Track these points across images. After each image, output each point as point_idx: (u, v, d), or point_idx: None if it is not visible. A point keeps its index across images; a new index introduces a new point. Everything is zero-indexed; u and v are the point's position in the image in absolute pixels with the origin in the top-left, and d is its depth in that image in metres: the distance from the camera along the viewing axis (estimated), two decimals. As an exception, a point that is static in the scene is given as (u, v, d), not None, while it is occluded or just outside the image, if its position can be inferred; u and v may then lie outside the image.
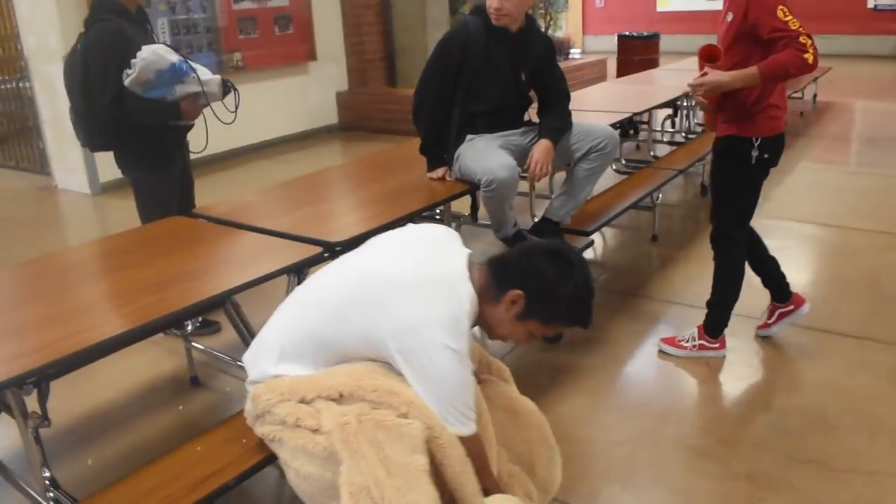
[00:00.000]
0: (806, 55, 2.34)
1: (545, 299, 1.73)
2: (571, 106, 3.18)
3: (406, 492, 1.50)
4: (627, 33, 9.53)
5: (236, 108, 3.05)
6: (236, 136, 7.40)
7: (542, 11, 11.23)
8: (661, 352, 3.12)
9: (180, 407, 2.97)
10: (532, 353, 3.21)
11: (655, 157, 5.26)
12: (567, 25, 13.88)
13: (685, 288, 3.71)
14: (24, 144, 7.80)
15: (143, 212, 3.25)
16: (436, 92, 3.07)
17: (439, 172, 3.12)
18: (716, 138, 2.83)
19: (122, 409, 3.02)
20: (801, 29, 2.37)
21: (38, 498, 2.01)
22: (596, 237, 4.55)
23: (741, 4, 2.48)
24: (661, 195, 4.41)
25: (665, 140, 5.86)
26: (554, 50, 3.18)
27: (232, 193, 3.75)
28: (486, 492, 1.72)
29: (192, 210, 3.17)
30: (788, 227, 4.55)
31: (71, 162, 6.52)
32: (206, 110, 3.10)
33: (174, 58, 2.92)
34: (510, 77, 3.04)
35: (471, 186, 3.05)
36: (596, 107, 4.76)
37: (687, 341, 3.07)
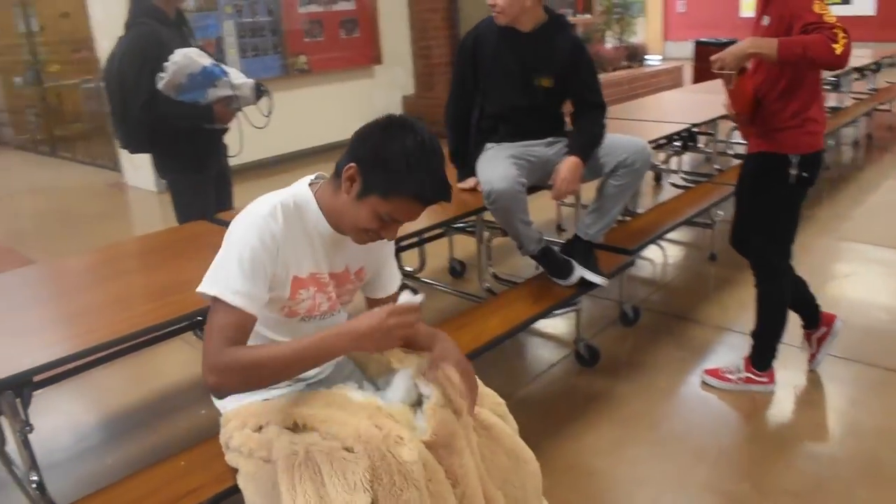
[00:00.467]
0: (835, 45, 2.10)
1: (375, 164, 1.55)
2: (628, 115, 2.97)
3: None
4: (705, 40, 9.16)
5: (269, 112, 3.00)
6: (298, 139, 7.45)
7: (618, 16, 10.93)
8: (704, 383, 2.89)
9: (202, 411, 2.92)
10: (566, 377, 3.04)
11: (720, 170, 4.96)
12: (646, 31, 13.49)
13: (740, 314, 3.45)
14: (100, 142, 8.08)
15: (180, 213, 3.25)
16: (456, 96, 2.95)
17: (470, 183, 2.98)
18: (746, 156, 2.60)
19: (148, 409, 3.03)
20: (837, 23, 2.15)
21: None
22: (652, 253, 4.32)
23: (778, 5, 2.30)
24: (721, 212, 4.13)
25: (731, 153, 5.53)
26: (585, 56, 2.89)
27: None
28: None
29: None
30: (862, 252, 4.20)
31: (137, 160, 6.65)
32: (241, 115, 3.07)
33: (206, 61, 2.89)
34: (520, 81, 2.85)
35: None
36: (654, 116, 4.52)
37: (732, 373, 2.83)
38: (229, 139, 3.34)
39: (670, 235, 4.34)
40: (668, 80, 10.03)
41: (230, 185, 3.46)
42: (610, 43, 10.83)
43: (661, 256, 4.39)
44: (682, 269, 4.22)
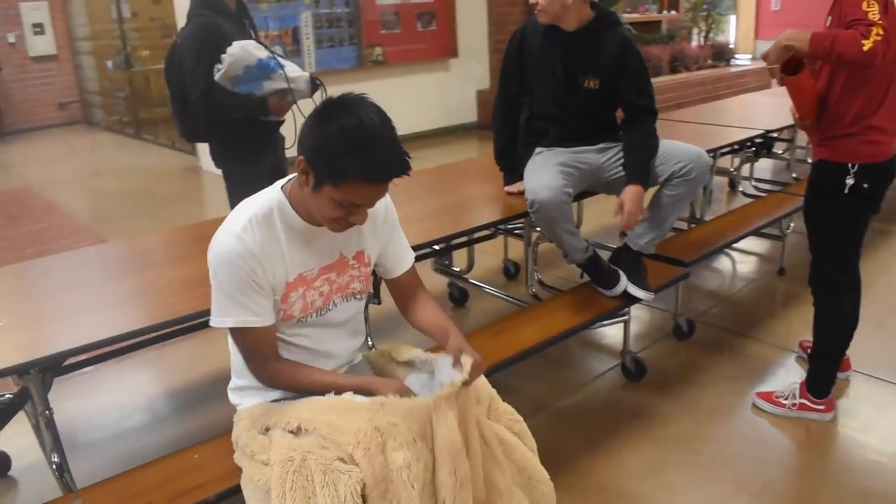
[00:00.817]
0: (864, 41, 1.96)
1: (318, 154, 1.51)
2: (702, 117, 2.81)
3: None
4: (798, 40, 8.69)
5: None
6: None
7: (705, 13, 10.52)
8: (755, 406, 2.72)
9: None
10: (610, 390, 2.92)
11: (797, 179, 4.68)
12: (737, 29, 12.95)
13: (805, 333, 3.23)
14: (180, 126, 8.32)
15: (233, 203, 3.27)
16: (500, 95, 2.86)
17: (518, 186, 2.88)
18: (812, 164, 2.44)
19: (189, 394, 3.06)
20: (879, 21, 1.99)
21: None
22: (718, 263, 4.12)
23: (838, 5, 2.17)
24: (792, 223, 3.90)
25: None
26: (633, 56, 2.71)
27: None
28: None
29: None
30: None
31: (211, 145, 6.83)
32: (295, 109, 3.06)
33: (262, 54, 2.89)
34: (564, 81, 2.72)
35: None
36: (731, 120, 4.30)
37: (787, 398, 2.65)
38: (286, 131, 3.35)
39: (739, 245, 4.14)
40: (755, 80, 9.60)
41: (286, 177, 3.47)
42: (695, 41, 10.44)
43: (726, 267, 4.18)
44: (748, 283, 4.00)
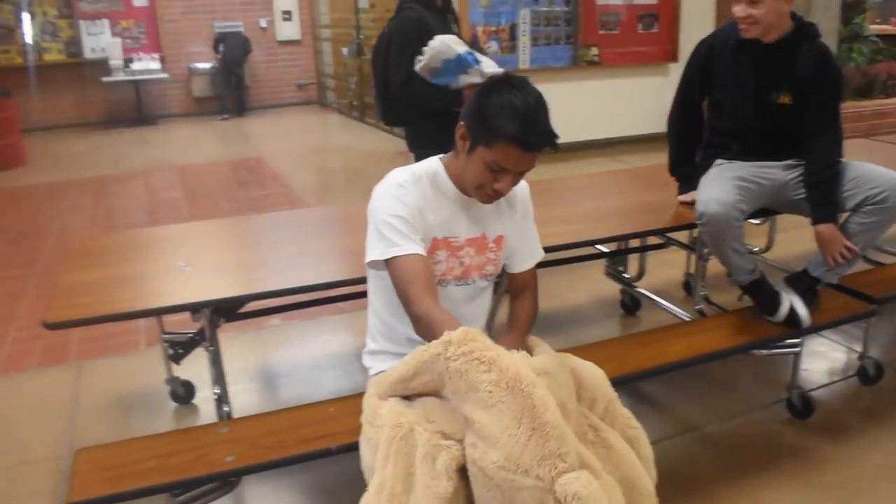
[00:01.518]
0: None
1: (478, 118, 1.70)
2: None
3: None
4: None
5: None
6: (578, 130, 7.43)
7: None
8: (938, 468, 2.41)
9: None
10: (770, 423, 2.72)
11: None
12: None
13: None
14: (400, 113, 8.82)
15: None
16: (678, 103, 2.76)
17: (692, 196, 2.76)
18: None
19: (349, 358, 3.29)
20: None
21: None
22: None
23: None
24: None
25: None
26: (830, 72, 2.51)
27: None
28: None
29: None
30: None
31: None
32: (553, 93, 3.21)
33: (461, 49, 3.05)
34: (754, 97, 2.55)
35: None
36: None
37: (977, 467, 2.33)
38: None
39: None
40: None
41: None
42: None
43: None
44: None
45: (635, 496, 1.68)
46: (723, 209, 2.40)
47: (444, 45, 3.00)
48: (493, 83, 1.73)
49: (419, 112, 3.17)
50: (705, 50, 2.67)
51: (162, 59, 11.10)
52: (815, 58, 2.49)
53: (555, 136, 1.70)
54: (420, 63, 3.03)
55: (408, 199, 1.76)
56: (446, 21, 3.28)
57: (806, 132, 2.57)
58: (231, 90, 11.25)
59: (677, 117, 2.83)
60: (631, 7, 7.53)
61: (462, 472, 1.50)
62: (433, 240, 1.80)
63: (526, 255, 1.98)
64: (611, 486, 1.53)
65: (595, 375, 1.73)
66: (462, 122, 1.75)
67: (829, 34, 7.34)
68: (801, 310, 2.48)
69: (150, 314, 2.17)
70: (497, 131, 1.65)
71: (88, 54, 10.83)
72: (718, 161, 2.68)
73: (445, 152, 3.26)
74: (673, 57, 7.89)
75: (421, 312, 1.67)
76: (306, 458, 1.88)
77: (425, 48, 3.01)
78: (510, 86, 1.69)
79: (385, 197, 1.77)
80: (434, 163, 1.86)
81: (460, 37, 3.17)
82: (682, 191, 2.86)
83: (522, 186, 1.95)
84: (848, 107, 6.87)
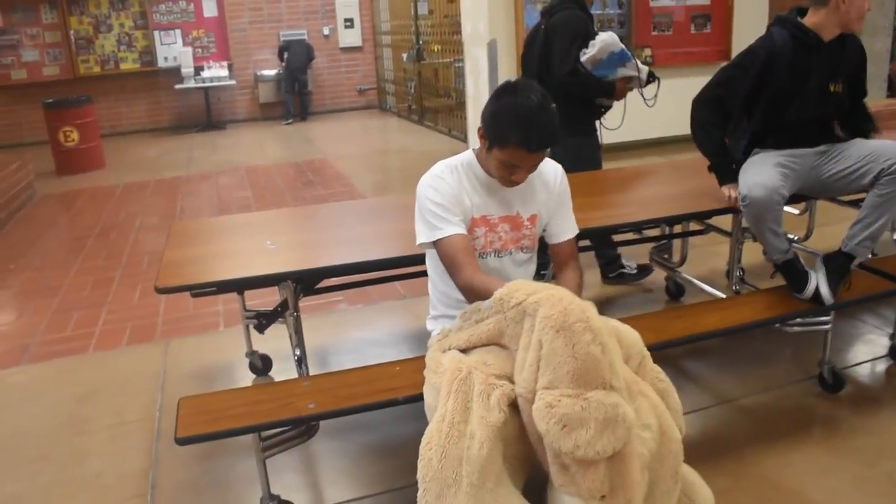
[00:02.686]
0: None
1: (490, 122, 1.98)
2: None
3: (467, 437, 1.67)
4: None
5: (655, 95, 3.59)
6: (632, 130, 7.53)
7: None
8: (961, 437, 2.56)
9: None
10: (803, 397, 2.89)
11: None
12: None
13: None
14: (457, 115, 9.11)
15: (571, 166, 3.85)
16: (716, 98, 2.84)
17: (731, 190, 2.90)
18: None
19: (415, 333, 3.57)
20: None
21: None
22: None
23: None
24: None
25: None
26: (865, 58, 2.86)
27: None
28: None
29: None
30: None
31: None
32: (634, 93, 3.65)
33: (621, 45, 3.47)
34: (816, 91, 2.74)
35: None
36: None
37: None
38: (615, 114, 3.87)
39: None
40: None
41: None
42: None
43: None
44: None
45: (665, 441, 1.91)
46: (766, 194, 2.61)
47: (612, 38, 3.43)
48: (500, 90, 2.01)
49: (570, 99, 3.49)
50: (764, 56, 2.73)
51: (230, 67, 11.66)
52: (857, 44, 2.80)
53: (556, 136, 1.98)
54: (587, 54, 3.43)
55: (445, 188, 2.08)
56: (592, 21, 3.66)
57: (853, 106, 2.90)
58: (295, 95, 11.73)
59: (712, 112, 2.87)
60: (683, 8, 7.67)
61: (513, 406, 1.76)
62: (472, 219, 2.11)
63: (564, 228, 2.27)
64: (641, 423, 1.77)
65: (630, 334, 1.96)
66: (480, 125, 2.03)
67: (885, 30, 7.35)
68: (824, 288, 2.67)
69: (244, 283, 2.50)
70: (503, 137, 1.94)
71: (161, 63, 11.48)
72: (755, 150, 2.87)
73: (587, 138, 3.63)
74: (726, 56, 7.96)
75: (465, 281, 2.00)
76: (376, 407, 2.16)
77: (594, 41, 3.43)
78: (515, 91, 1.96)
79: (426, 188, 2.10)
80: (468, 154, 2.16)
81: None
82: (723, 181, 2.94)
83: (556, 170, 2.26)
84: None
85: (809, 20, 2.74)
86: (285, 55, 11.49)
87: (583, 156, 3.64)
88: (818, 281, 2.68)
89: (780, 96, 2.78)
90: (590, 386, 1.62)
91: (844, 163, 2.77)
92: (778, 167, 2.73)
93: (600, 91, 3.49)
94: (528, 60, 3.71)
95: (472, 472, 1.64)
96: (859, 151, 2.76)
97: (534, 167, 2.05)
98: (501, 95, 1.99)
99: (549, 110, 1.96)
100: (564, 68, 3.43)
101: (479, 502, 1.63)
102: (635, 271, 3.95)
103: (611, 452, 1.61)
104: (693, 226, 3.54)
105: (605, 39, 3.38)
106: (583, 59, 3.42)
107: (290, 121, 11.64)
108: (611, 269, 3.95)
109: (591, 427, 1.58)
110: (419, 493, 1.69)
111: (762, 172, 2.70)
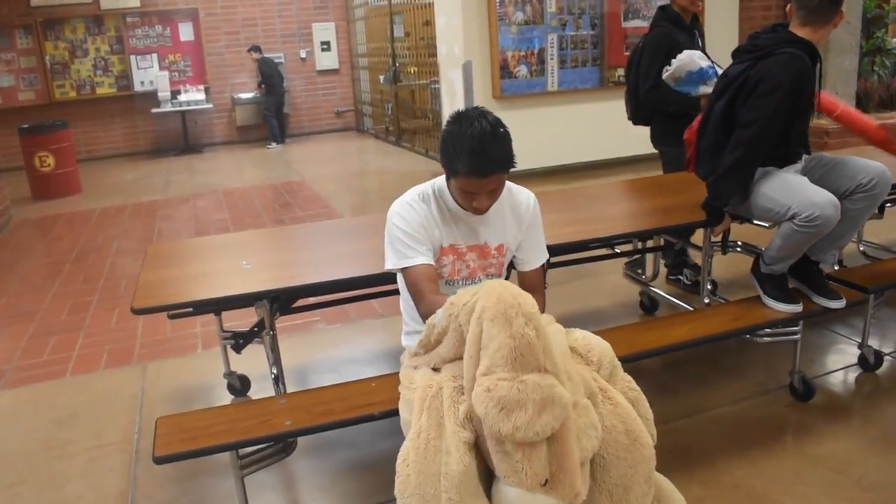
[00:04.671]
0: None
1: (441, 153, 2.02)
2: None
3: (443, 453, 1.71)
4: None
5: None
6: (606, 149, 7.60)
7: None
8: (926, 442, 2.63)
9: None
10: (773, 406, 2.95)
11: None
12: None
13: None
14: (434, 136, 9.20)
15: (665, 170, 4.09)
16: (765, 131, 2.67)
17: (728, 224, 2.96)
18: None
19: (388, 351, 3.60)
20: None
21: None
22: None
23: None
24: None
25: None
26: None
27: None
28: None
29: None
30: None
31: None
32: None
33: (704, 63, 3.57)
34: (812, 105, 2.80)
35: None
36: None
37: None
38: None
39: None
40: None
41: None
42: None
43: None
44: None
45: (637, 446, 1.94)
46: (835, 210, 2.56)
47: (689, 58, 3.53)
48: (452, 119, 2.01)
49: (662, 114, 3.74)
50: (801, 73, 2.61)
51: (207, 90, 11.68)
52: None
53: (508, 161, 1.99)
54: (667, 72, 3.57)
55: (414, 217, 2.12)
56: (693, 37, 3.79)
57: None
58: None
59: (759, 148, 2.72)
60: (654, 29, 7.81)
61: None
62: (441, 248, 2.16)
63: (532, 257, 2.31)
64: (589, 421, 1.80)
65: (601, 344, 2.02)
66: (441, 155, 2.04)
67: (852, 48, 7.53)
68: (819, 299, 2.84)
69: (220, 303, 2.52)
70: (453, 166, 1.98)
71: (138, 87, 11.48)
72: (767, 169, 2.79)
73: (680, 148, 3.67)
74: (697, 75, 8.13)
75: (426, 309, 2.03)
76: (353, 422, 2.19)
77: (673, 60, 3.55)
78: (460, 121, 1.98)
79: (396, 216, 2.14)
80: (439, 181, 2.18)
81: (704, 52, 3.71)
82: (715, 223, 2.90)
83: (528, 199, 2.27)
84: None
85: (810, 36, 2.66)
86: (266, 76, 11.21)
87: (682, 167, 3.55)
88: (809, 295, 2.81)
89: (795, 113, 2.73)
90: (525, 369, 1.64)
91: (822, 174, 2.80)
92: (809, 182, 2.71)
93: (682, 106, 3.61)
94: (628, 76, 3.95)
95: (451, 488, 1.67)
96: (830, 164, 2.82)
97: (495, 192, 2.05)
98: (448, 126, 2.02)
99: (496, 135, 1.95)
100: (645, 85, 3.68)
101: None
102: (689, 283, 4.07)
103: (549, 432, 1.62)
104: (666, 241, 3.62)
105: (682, 59, 3.53)
106: (664, 76, 3.60)
107: (272, 145, 11.48)
108: (671, 272, 4.16)
109: (528, 408, 1.60)
110: None
111: (812, 191, 2.63)
